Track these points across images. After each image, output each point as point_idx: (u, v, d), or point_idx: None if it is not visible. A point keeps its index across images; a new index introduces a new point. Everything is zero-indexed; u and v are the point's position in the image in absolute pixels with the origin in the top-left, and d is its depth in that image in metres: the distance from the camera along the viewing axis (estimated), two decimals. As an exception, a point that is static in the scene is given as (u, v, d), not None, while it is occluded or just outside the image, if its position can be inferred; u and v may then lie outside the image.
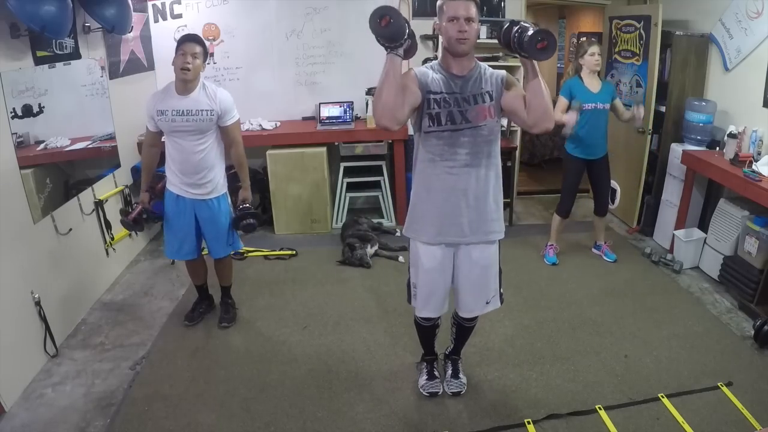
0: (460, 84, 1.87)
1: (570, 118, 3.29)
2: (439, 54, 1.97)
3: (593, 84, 3.41)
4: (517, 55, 1.79)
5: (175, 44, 2.59)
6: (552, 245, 3.78)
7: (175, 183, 2.72)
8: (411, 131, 2.07)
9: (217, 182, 2.76)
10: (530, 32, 1.65)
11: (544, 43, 1.63)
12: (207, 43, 2.69)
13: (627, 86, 4.25)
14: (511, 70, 4.14)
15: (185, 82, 2.57)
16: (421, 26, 4.22)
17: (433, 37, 4.42)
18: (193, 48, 2.54)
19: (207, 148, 2.66)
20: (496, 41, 4.21)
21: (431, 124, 1.88)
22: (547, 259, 3.75)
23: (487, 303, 2.19)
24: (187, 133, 2.61)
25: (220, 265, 2.99)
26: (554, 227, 3.78)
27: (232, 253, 2.82)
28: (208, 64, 4.37)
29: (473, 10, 1.81)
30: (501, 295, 2.22)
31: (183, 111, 2.57)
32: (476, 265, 2.09)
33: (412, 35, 1.72)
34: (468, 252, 2.07)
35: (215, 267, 3.01)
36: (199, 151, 2.64)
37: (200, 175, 2.69)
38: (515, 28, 1.71)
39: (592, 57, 3.35)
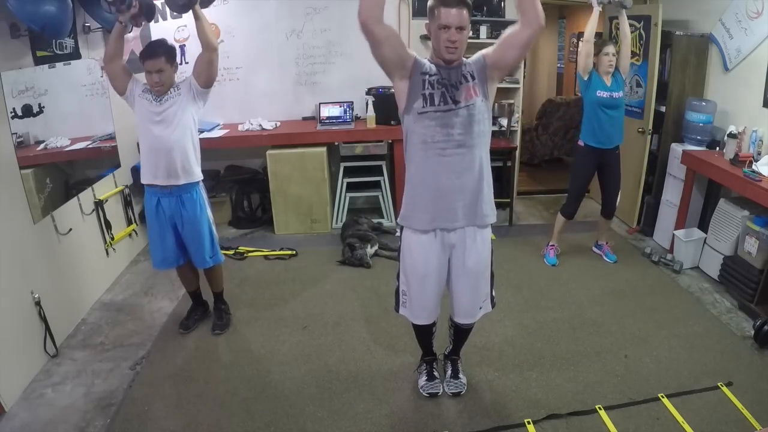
0: (448, 71, 1.93)
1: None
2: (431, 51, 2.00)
3: (606, 78, 3.43)
4: None
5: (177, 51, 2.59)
6: (553, 246, 3.77)
7: (149, 172, 2.66)
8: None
9: (192, 169, 2.70)
10: None
11: None
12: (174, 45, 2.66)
13: (627, 86, 4.24)
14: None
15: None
16: (421, 26, 4.21)
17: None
18: (155, 65, 2.53)
19: (180, 134, 2.62)
20: (496, 41, 4.19)
21: (425, 105, 1.91)
22: (547, 260, 3.74)
23: (480, 308, 2.20)
24: (163, 122, 2.59)
25: (208, 272, 2.98)
26: (557, 228, 3.75)
27: (233, 252, 2.82)
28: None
29: (465, 17, 1.82)
30: (492, 298, 2.24)
31: (158, 111, 2.59)
32: (471, 272, 2.10)
33: None
34: (463, 257, 2.07)
35: (204, 273, 2.99)
36: (173, 138, 2.60)
37: (174, 162, 2.63)
38: None
39: (606, 57, 3.35)
